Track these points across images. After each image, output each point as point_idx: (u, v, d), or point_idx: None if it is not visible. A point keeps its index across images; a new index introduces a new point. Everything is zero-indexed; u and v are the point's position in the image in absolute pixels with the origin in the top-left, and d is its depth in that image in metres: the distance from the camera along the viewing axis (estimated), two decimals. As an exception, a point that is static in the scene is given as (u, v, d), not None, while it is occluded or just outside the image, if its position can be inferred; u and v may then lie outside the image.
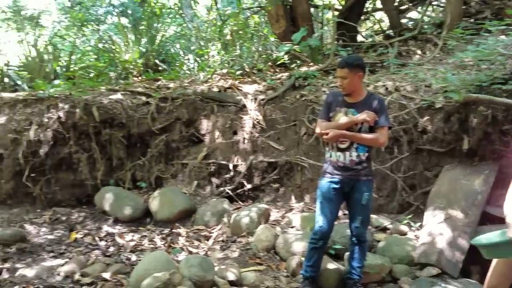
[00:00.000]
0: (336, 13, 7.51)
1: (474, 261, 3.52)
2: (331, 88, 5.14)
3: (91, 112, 5.02)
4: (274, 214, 4.60)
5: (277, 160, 5.02)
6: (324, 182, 3.17)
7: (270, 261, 3.75)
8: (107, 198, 4.69)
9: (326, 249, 3.49)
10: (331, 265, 3.46)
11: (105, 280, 3.21)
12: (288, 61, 6.54)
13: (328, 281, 3.39)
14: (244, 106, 5.33)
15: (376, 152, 4.59)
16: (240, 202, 4.96)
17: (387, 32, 7.85)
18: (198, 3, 10.56)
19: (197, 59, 7.90)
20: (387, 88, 4.92)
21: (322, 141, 4.58)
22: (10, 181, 4.82)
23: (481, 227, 3.74)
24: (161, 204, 4.61)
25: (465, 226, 3.69)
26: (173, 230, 4.37)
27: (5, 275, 3.34)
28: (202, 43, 8.46)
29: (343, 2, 8.34)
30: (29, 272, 3.38)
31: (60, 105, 5.02)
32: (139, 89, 5.68)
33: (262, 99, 5.34)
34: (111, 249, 3.96)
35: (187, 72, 7.59)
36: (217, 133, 5.30)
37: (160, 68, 7.70)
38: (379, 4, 8.78)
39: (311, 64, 6.41)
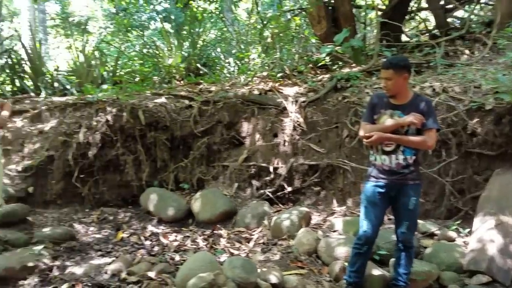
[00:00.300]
0: (380, 13, 7.36)
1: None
2: (375, 90, 5.03)
3: (137, 115, 5.19)
4: (315, 218, 4.55)
5: (318, 163, 4.97)
6: (369, 186, 3.10)
7: (312, 265, 3.71)
8: (151, 199, 4.82)
9: (371, 254, 3.41)
10: (376, 271, 3.38)
11: (151, 279, 3.28)
12: (330, 63, 6.47)
13: (372, 288, 3.31)
14: (285, 108, 5.32)
15: (423, 156, 4.44)
16: (281, 205, 4.96)
17: (433, 31, 7.64)
18: (239, 7, 10.66)
19: (238, 62, 7.98)
20: (434, 89, 4.77)
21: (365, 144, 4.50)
22: (60, 182, 5.03)
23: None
24: (202, 206, 4.68)
25: (518, 233, 3.52)
26: (214, 231, 4.42)
27: (56, 272, 3.48)
28: (242, 46, 8.53)
29: (386, 2, 8.17)
30: (78, 270, 3.50)
31: (108, 108, 5.23)
32: (182, 93, 5.82)
33: (303, 101, 5.31)
34: (156, 248, 4.05)
35: (228, 75, 7.68)
36: (257, 136, 5.32)
37: (201, 72, 7.84)
38: (424, 3, 8.54)
39: (354, 65, 6.32)
